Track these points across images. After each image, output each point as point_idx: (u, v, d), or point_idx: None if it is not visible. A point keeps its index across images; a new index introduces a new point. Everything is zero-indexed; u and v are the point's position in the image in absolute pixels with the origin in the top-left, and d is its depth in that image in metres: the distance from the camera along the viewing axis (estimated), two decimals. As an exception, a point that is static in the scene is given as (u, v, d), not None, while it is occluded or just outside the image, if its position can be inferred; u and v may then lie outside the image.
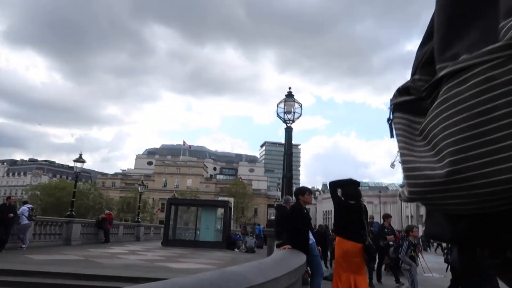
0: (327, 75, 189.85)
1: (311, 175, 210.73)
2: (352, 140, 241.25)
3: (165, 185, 76.29)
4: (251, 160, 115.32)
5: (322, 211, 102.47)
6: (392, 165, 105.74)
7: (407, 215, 72.73)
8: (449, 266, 5.62)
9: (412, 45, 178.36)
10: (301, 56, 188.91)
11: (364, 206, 4.85)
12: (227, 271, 1.97)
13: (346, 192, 4.78)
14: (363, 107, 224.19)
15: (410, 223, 63.30)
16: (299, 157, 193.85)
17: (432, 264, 12.09)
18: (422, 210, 64.80)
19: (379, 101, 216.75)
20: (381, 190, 75.28)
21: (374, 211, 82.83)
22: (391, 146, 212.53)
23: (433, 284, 9.49)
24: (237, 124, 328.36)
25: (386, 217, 9.65)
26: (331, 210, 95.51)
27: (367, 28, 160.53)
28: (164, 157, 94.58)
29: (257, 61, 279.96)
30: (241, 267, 2.26)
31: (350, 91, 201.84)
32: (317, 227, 14.74)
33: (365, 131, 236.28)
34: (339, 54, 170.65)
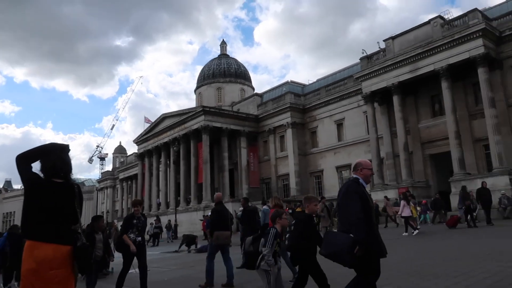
0: (23, 54, 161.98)
1: None
2: (49, 132, 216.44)
3: None
4: None
5: (2, 213, 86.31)
6: (90, 160, 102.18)
7: (102, 210, 71.45)
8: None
9: (120, 41, 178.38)
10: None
11: (78, 186, 3.08)
12: None
13: (48, 165, 2.86)
14: (64, 97, 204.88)
15: (108, 220, 61.23)
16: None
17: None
18: (117, 206, 65.58)
19: (82, 93, 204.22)
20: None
21: (68, 209, 76.99)
22: (90, 140, 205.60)
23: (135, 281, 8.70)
24: None
25: (136, 204, 7.14)
26: (15, 212, 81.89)
27: (76, 12, 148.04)
28: None
29: None
30: None
31: (50, 77, 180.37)
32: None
33: (64, 123, 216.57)
34: (41, 33, 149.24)
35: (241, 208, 12.80)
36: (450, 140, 24.68)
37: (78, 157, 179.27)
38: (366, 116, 31.34)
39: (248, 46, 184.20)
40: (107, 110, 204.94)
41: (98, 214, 70.78)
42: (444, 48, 25.25)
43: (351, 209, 3.57)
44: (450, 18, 27.02)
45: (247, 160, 39.25)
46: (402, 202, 15.75)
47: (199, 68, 54.47)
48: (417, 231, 14.94)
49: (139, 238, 6.92)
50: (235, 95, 50.13)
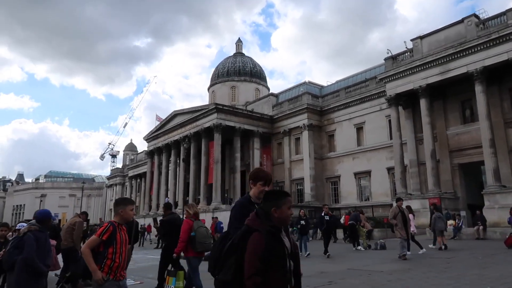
0: (45, 52, 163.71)
1: (8, 163, 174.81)
2: (65, 128, 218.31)
3: None
4: None
5: (12, 205, 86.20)
6: (102, 157, 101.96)
7: (111, 208, 70.64)
8: None
9: (139, 42, 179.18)
10: (15, 22, 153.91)
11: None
12: None
13: None
14: (82, 95, 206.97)
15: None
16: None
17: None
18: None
19: (99, 91, 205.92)
20: (85, 181, 69.89)
21: (76, 204, 76.58)
22: (104, 138, 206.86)
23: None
24: None
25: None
26: (24, 205, 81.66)
27: (98, 13, 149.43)
28: None
29: None
30: None
31: (70, 75, 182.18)
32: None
33: (81, 120, 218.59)
34: (62, 31, 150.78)
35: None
36: (484, 148, 22.59)
37: (92, 154, 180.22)
38: (389, 120, 29.45)
39: (265, 51, 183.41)
40: (123, 109, 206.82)
41: (106, 211, 69.85)
42: (479, 48, 23.25)
43: None
44: (486, 17, 25.03)
45: (260, 162, 37.53)
46: (410, 217, 13.36)
47: (216, 71, 52.68)
48: (424, 250, 12.70)
49: None
50: (250, 95, 48.49)
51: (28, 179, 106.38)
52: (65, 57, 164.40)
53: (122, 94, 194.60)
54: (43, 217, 4.99)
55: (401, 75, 27.30)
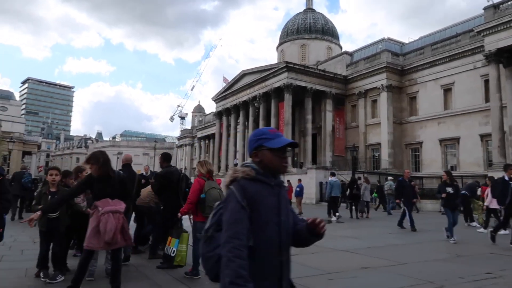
0: (119, 17, 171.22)
1: (89, 123, 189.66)
2: (138, 91, 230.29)
3: None
4: (3, 96, 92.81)
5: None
6: (171, 119, 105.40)
7: (181, 167, 73.18)
8: None
9: (206, 5, 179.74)
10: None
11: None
12: None
13: None
14: (154, 59, 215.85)
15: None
16: (72, 101, 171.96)
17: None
18: (195, 164, 66.22)
19: (169, 56, 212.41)
20: (157, 141, 72.68)
21: (149, 162, 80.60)
22: (174, 101, 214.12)
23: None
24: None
25: None
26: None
27: None
28: None
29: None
30: None
31: (142, 39, 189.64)
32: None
33: (152, 84, 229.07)
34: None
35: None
36: None
37: (162, 116, 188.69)
38: (485, 80, 25.91)
39: (333, 13, 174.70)
40: (191, 73, 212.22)
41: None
42: None
43: None
44: None
45: (332, 125, 35.61)
46: (489, 190, 11.02)
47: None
48: (507, 231, 9.58)
49: None
50: (321, 54, 45.73)
51: (106, 138, 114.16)
52: (137, 21, 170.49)
53: (191, 59, 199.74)
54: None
55: (505, 27, 23.46)
